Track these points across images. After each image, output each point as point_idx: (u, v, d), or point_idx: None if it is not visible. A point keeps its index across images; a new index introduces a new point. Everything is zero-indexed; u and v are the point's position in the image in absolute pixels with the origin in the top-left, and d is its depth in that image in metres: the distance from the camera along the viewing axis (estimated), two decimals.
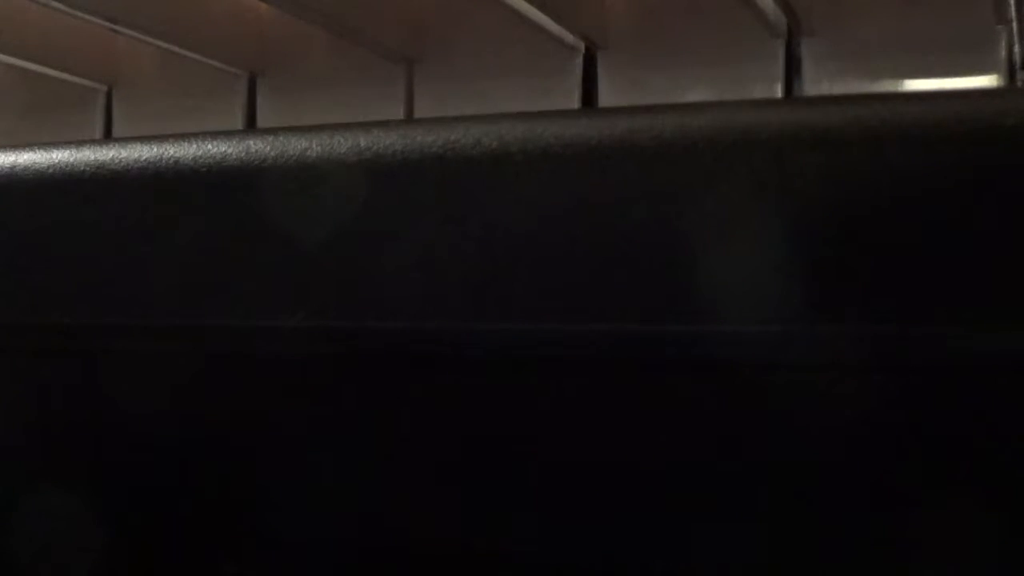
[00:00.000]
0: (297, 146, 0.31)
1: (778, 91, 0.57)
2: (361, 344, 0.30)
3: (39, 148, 0.34)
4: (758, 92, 0.57)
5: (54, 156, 0.34)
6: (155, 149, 0.32)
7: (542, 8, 0.56)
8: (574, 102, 0.61)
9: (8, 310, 0.34)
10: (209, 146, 0.32)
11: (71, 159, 0.33)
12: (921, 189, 0.26)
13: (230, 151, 0.32)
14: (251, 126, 0.68)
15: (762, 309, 0.27)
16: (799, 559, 0.28)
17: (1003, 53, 0.53)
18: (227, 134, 0.32)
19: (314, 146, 0.31)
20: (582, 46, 0.61)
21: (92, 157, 0.33)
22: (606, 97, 0.61)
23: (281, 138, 0.31)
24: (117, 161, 0.33)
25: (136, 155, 0.33)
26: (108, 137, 0.71)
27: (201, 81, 0.68)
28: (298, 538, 0.32)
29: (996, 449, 0.26)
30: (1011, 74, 0.52)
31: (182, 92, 0.69)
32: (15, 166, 0.34)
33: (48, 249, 0.34)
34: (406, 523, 0.31)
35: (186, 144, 0.32)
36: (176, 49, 0.62)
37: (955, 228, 0.25)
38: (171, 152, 0.32)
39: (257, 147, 0.31)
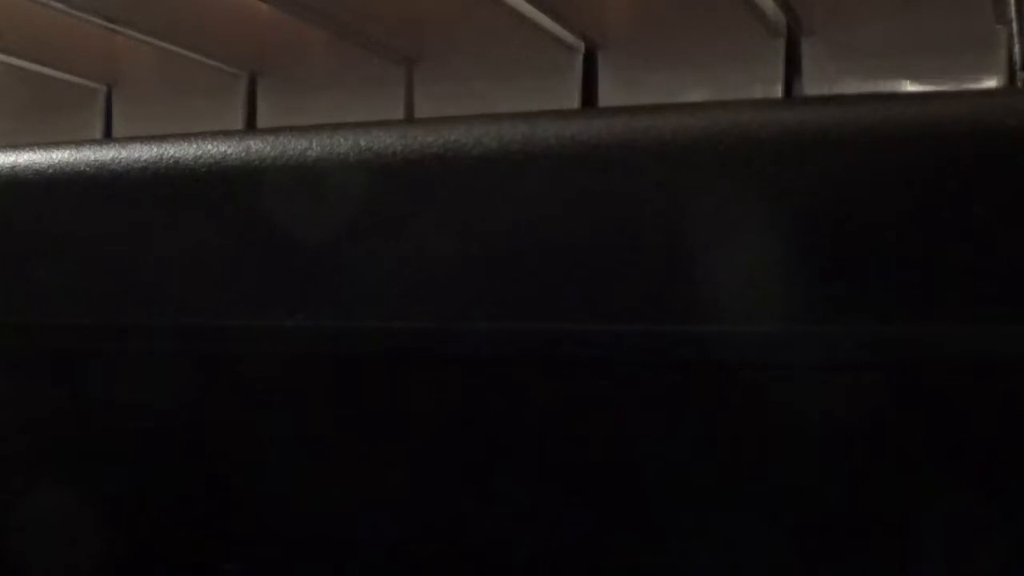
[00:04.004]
0: (297, 146, 0.31)
1: (778, 91, 0.57)
2: (361, 344, 0.30)
3: (39, 148, 0.34)
4: (758, 92, 0.57)
5: (54, 156, 0.34)
6: (155, 149, 0.32)
7: (542, 8, 0.56)
8: (574, 102, 0.61)
9: (8, 310, 0.34)
10: (209, 146, 0.32)
11: (71, 159, 0.33)
12: (921, 189, 0.26)
13: (230, 151, 0.32)
14: (251, 126, 0.68)
15: (762, 309, 0.27)
16: (800, 559, 0.28)
17: (1003, 53, 0.53)
18: (227, 134, 0.32)
19: (314, 146, 0.31)
20: (582, 46, 0.61)
21: (92, 157, 0.33)
22: (606, 97, 0.61)
23: (281, 138, 0.31)
24: (117, 161, 0.33)
25: (136, 155, 0.33)
26: (108, 137, 0.71)
27: (201, 81, 0.68)
28: (298, 537, 0.32)
29: (996, 449, 0.26)
30: (1011, 74, 0.52)
31: (182, 92, 0.69)
32: (15, 166, 0.34)
33: (48, 249, 0.34)
34: (405, 523, 0.31)
35: (186, 144, 0.32)
36: (176, 49, 0.62)
37: (955, 228, 0.25)
38: (171, 152, 0.32)
39: (257, 147, 0.31)
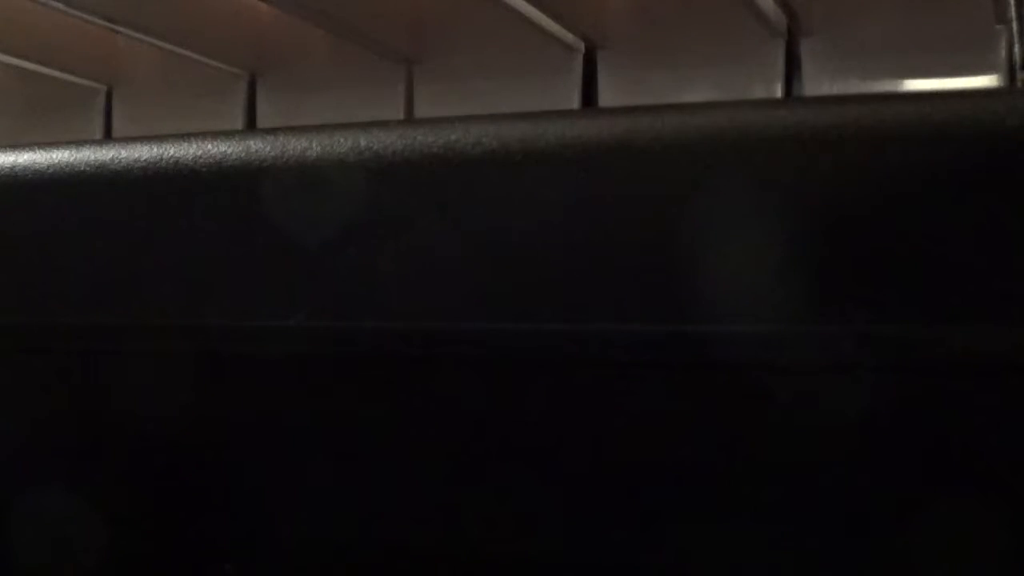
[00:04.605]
0: (297, 146, 0.31)
1: (778, 91, 0.57)
2: (361, 344, 0.30)
3: (39, 148, 0.34)
4: (758, 92, 0.57)
5: (54, 156, 0.34)
6: (155, 149, 0.32)
7: (542, 8, 0.56)
8: (574, 102, 0.61)
9: (8, 310, 0.34)
10: (209, 146, 0.32)
11: (71, 159, 0.33)
12: (921, 189, 0.26)
13: (230, 151, 0.32)
14: (251, 126, 0.68)
15: (762, 309, 0.27)
16: (800, 559, 0.28)
17: (1003, 53, 0.53)
18: (227, 134, 0.32)
19: (314, 146, 0.31)
20: (582, 46, 0.61)
21: (92, 157, 0.33)
22: (606, 97, 0.61)
23: (281, 138, 0.31)
24: (117, 161, 0.33)
25: (136, 155, 0.33)
26: (108, 137, 0.71)
27: (201, 81, 0.68)
28: (298, 538, 0.32)
29: (996, 449, 0.26)
30: (1011, 74, 0.52)
31: (182, 92, 0.69)
32: (15, 166, 0.34)
33: (48, 249, 0.34)
34: (405, 523, 0.31)
35: (186, 144, 0.32)
36: (176, 49, 0.62)
37: (955, 228, 0.25)
38: (171, 152, 0.32)
39: (257, 147, 0.31)
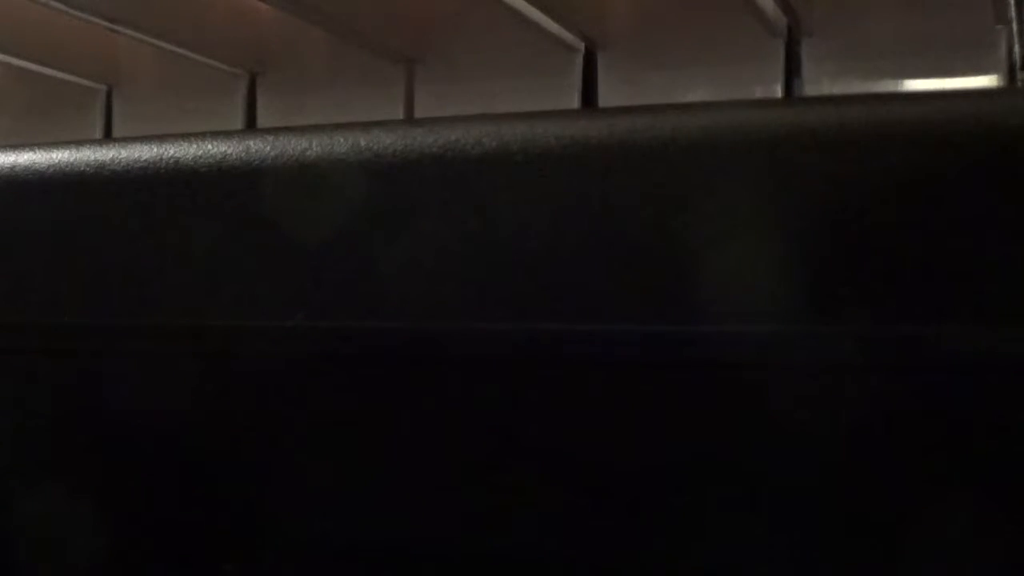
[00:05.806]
0: (297, 146, 0.31)
1: (778, 91, 0.57)
2: (361, 344, 0.30)
3: (39, 148, 0.34)
4: (758, 92, 0.57)
5: (54, 156, 0.34)
6: (155, 149, 0.32)
7: (542, 8, 0.56)
8: (574, 102, 0.61)
9: (8, 310, 0.34)
10: (209, 146, 0.32)
11: (71, 159, 0.33)
12: (921, 189, 0.26)
13: (230, 151, 0.32)
14: (251, 126, 0.68)
15: (762, 309, 0.27)
16: (799, 559, 0.27)
17: (1003, 53, 0.53)
18: (227, 134, 0.32)
19: (314, 146, 0.31)
20: (582, 46, 0.61)
21: (92, 157, 0.33)
22: (606, 97, 0.61)
23: (281, 138, 0.31)
24: (117, 161, 0.33)
25: (136, 155, 0.33)
26: (108, 137, 0.71)
27: (201, 81, 0.68)
28: (298, 538, 0.32)
29: (996, 449, 0.26)
30: (1011, 74, 0.52)
31: (182, 92, 0.69)
32: (15, 166, 0.34)
33: (48, 249, 0.34)
34: (406, 523, 0.31)
35: (186, 144, 0.32)
36: (176, 49, 0.62)
37: (955, 228, 0.25)
38: (171, 152, 0.32)
39: (257, 147, 0.31)
